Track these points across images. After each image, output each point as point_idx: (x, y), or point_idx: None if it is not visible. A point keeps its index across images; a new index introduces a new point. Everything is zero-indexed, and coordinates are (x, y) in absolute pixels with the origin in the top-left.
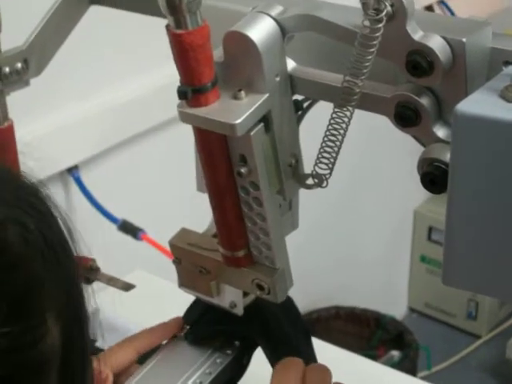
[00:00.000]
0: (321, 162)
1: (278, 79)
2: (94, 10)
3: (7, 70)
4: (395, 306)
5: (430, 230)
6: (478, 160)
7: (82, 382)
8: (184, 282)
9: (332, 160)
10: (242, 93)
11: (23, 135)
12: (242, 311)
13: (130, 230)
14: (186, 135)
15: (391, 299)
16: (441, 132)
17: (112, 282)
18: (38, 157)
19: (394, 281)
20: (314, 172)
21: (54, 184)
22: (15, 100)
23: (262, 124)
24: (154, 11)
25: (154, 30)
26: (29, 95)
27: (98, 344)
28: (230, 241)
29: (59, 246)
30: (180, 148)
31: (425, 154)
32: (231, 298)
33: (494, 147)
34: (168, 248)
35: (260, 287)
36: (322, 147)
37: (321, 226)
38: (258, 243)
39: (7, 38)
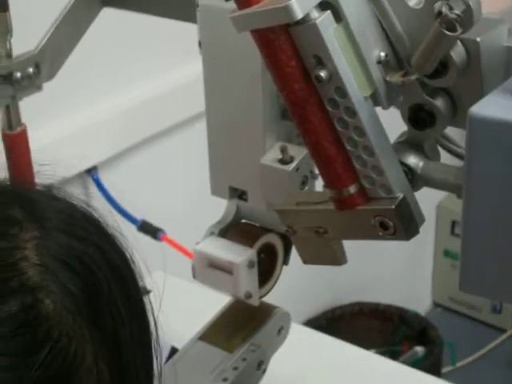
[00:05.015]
0: None
1: None
2: (109, 12)
3: (19, 75)
4: (419, 301)
5: (454, 224)
6: (493, 163)
7: None
8: (306, 257)
9: None
10: None
11: (41, 137)
12: (258, 302)
13: (150, 230)
14: (204, 134)
15: (415, 294)
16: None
17: None
18: (57, 159)
19: (417, 276)
20: None
21: (73, 185)
22: (33, 102)
23: (328, 11)
24: (166, 13)
25: (168, 30)
26: (47, 97)
27: None
28: (335, 174)
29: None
30: (199, 147)
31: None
32: (247, 287)
33: (509, 149)
34: (188, 248)
35: (383, 226)
36: None
37: None
38: (368, 170)
39: (18, 42)
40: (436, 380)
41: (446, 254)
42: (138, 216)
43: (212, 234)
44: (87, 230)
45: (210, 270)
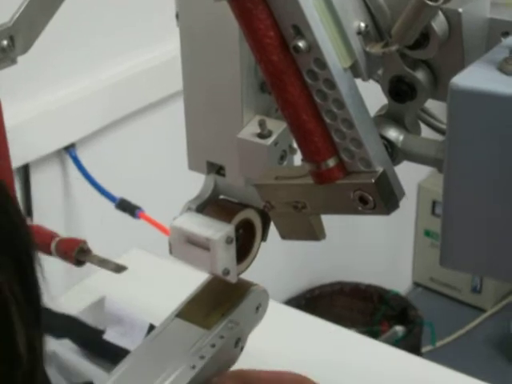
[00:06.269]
0: None
1: None
2: None
3: None
4: (400, 281)
5: (434, 204)
6: (475, 135)
7: None
8: (284, 232)
9: None
10: None
11: (18, 114)
12: (235, 279)
13: (128, 208)
14: (183, 112)
15: (396, 274)
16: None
17: (103, 263)
18: (34, 136)
19: (398, 256)
20: None
21: (51, 163)
22: (9, 78)
23: None
24: None
25: (150, 5)
26: (25, 73)
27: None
28: (314, 147)
29: None
30: (178, 125)
31: None
32: (224, 264)
33: (492, 122)
34: (166, 226)
35: (363, 200)
36: None
37: None
38: (347, 143)
39: None
40: (415, 358)
41: (427, 234)
42: (117, 194)
43: (189, 209)
44: None
45: (186, 246)
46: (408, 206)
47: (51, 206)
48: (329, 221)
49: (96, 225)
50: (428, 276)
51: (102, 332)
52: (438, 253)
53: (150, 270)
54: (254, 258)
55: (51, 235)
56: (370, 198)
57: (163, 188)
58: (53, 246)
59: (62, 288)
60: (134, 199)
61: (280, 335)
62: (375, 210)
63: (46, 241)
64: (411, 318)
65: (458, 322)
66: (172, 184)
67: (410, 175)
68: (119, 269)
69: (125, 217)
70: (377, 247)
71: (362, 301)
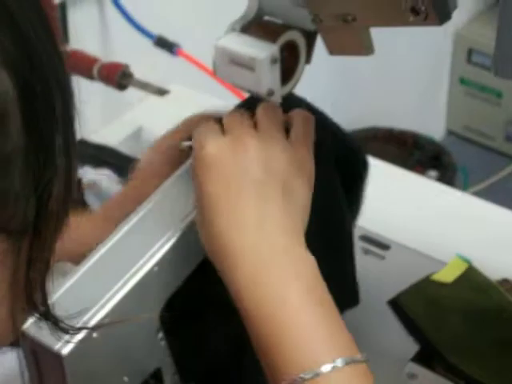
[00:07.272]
0: None
1: None
2: None
3: None
4: (433, 128)
5: (470, 52)
6: None
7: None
8: (332, 47)
9: None
10: None
11: None
12: (280, 100)
13: (166, 45)
14: None
15: (429, 121)
16: None
17: (146, 87)
18: None
19: (432, 103)
20: None
21: (88, 1)
22: None
23: None
24: None
25: None
26: None
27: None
28: None
29: None
30: None
31: None
32: (269, 84)
33: None
34: (205, 63)
35: (414, 11)
36: None
37: None
38: None
39: None
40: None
41: (462, 81)
42: (155, 31)
43: (233, 30)
44: None
45: (231, 66)
46: (443, 53)
47: (89, 45)
48: (363, 63)
49: (134, 63)
50: (462, 124)
51: (139, 161)
52: (473, 101)
53: (188, 104)
54: (297, 81)
55: (94, 59)
56: (422, 8)
57: (202, 26)
58: (95, 69)
59: (100, 123)
60: (172, 37)
61: None
62: (427, 21)
63: (88, 65)
64: (445, 164)
65: (491, 170)
66: (211, 23)
67: (447, 23)
68: (161, 92)
69: (163, 55)
70: (411, 94)
71: (395, 146)
